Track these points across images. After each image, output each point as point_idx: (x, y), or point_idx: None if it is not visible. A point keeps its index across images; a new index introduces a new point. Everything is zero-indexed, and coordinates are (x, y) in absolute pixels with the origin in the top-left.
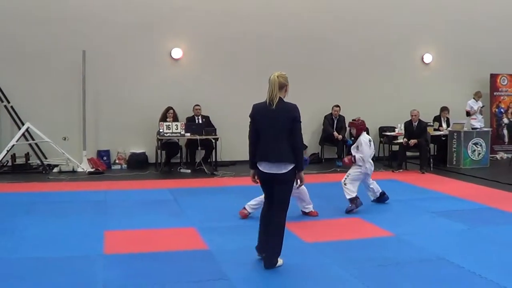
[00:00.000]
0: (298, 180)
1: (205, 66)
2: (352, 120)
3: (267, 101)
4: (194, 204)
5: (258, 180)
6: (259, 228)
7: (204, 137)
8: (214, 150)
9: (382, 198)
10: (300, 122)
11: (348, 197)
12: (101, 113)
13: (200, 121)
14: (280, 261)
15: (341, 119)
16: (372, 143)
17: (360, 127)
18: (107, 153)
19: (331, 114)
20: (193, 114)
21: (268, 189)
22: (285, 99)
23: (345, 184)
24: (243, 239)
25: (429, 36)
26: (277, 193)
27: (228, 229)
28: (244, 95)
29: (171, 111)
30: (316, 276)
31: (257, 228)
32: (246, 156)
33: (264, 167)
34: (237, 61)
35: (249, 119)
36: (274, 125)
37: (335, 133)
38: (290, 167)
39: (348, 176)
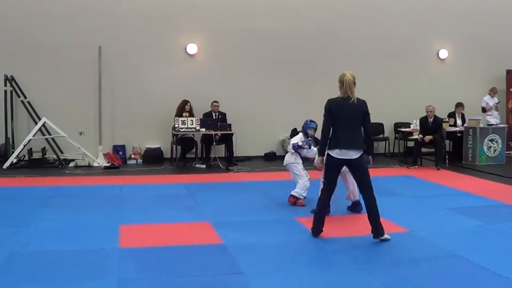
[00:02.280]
0: (369, 161)
1: (220, 62)
2: None
3: (344, 96)
4: (209, 199)
5: (321, 166)
6: (318, 212)
7: (219, 132)
8: (231, 145)
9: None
10: (369, 114)
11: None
12: (117, 108)
13: (217, 117)
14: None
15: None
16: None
17: None
18: (122, 148)
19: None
20: (210, 110)
21: (335, 175)
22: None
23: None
24: (258, 234)
25: (444, 31)
26: (357, 176)
27: (242, 224)
28: (259, 91)
29: (188, 104)
30: (329, 272)
31: (271, 224)
32: (260, 152)
33: (337, 153)
34: (251, 56)
35: (264, 115)
36: (351, 117)
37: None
38: (361, 152)
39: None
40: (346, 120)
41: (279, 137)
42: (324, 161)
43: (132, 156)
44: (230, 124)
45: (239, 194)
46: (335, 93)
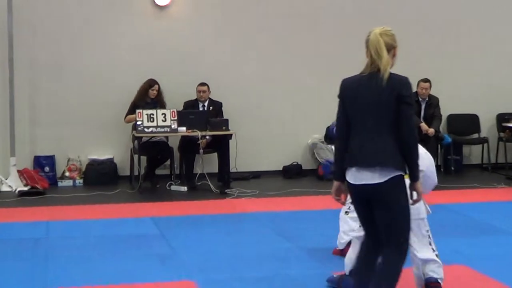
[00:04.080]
0: (413, 193)
1: (208, 18)
2: None
3: (365, 73)
4: (193, 242)
5: (343, 199)
6: (354, 278)
7: (209, 133)
8: (227, 155)
9: None
10: (412, 105)
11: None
12: (40, 96)
13: (206, 109)
14: None
15: (433, 101)
16: None
17: None
18: (50, 161)
19: (416, 94)
20: (195, 98)
21: (365, 213)
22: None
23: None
24: None
25: None
26: (380, 219)
27: (246, 283)
28: (274, 66)
29: (155, 86)
30: None
31: (290, 281)
32: (275, 165)
33: (354, 177)
34: (259, 8)
35: (282, 105)
36: (372, 109)
37: (424, 125)
38: (393, 174)
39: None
40: (364, 112)
41: (307, 141)
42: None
43: (67, 174)
44: (227, 121)
45: (241, 234)
46: (400, 70)
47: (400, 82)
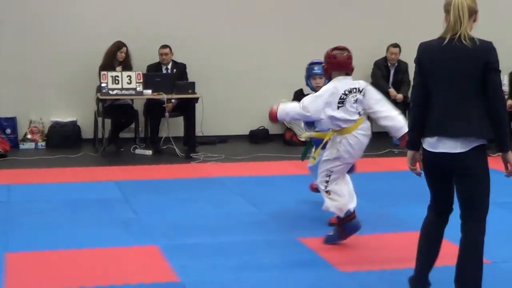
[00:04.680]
0: (508, 165)
1: None
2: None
3: (446, 37)
4: (157, 207)
5: (419, 168)
6: (420, 250)
7: (175, 96)
8: (193, 119)
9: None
10: (500, 71)
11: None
12: (2, 57)
13: (169, 71)
14: None
15: (402, 67)
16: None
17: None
18: (11, 123)
19: (385, 59)
20: (158, 61)
21: (439, 184)
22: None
23: (326, 189)
24: (236, 265)
25: None
26: (460, 192)
27: (211, 248)
28: (241, 26)
29: (123, 49)
30: None
31: (258, 248)
32: (242, 129)
33: (432, 145)
34: None
35: (250, 66)
36: (456, 76)
37: (392, 90)
38: (476, 143)
39: (324, 171)
40: (446, 80)
41: (274, 105)
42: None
43: (29, 136)
44: (193, 83)
45: (207, 199)
46: (367, 34)
47: (487, 48)
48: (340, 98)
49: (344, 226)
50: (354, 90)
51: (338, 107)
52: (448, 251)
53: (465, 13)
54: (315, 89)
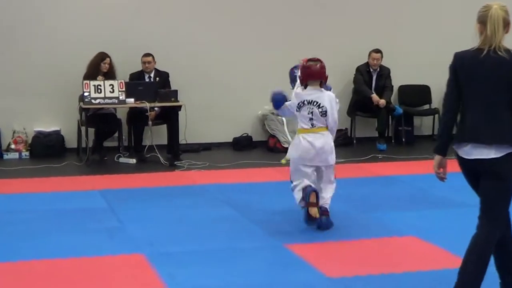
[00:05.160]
0: None
1: None
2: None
3: (484, 49)
4: (141, 215)
5: (445, 173)
6: (467, 261)
7: (158, 104)
8: (177, 127)
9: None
10: None
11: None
12: None
13: (152, 80)
14: None
15: (384, 72)
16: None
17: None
18: None
19: (367, 64)
20: (141, 69)
21: (476, 186)
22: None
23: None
24: (224, 273)
25: None
26: (484, 190)
27: (197, 256)
28: (226, 33)
29: (107, 60)
30: None
31: (245, 255)
32: (225, 137)
33: (467, 152)
34: None
35: (233, 74)
36: (491, 85)
37: (375, 96)
38: (509, 150)
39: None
40: (482, 89)
41: (257, 112)
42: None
43: (12, 146)
44: (176, 91)
45: (191, 206)
46: (350, 40)
47: None
48: (298, 104)
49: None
50: (314, 103)
51: (296, 110)
52: (436, 255)
53: (500, 24)
54: None
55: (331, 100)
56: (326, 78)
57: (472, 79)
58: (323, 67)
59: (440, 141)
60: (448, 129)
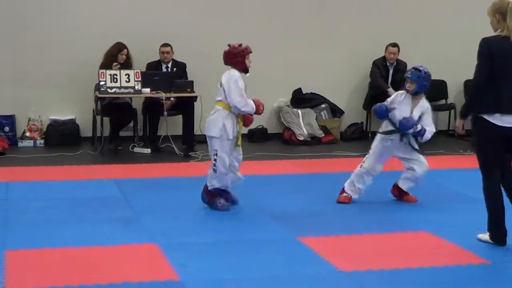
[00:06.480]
0: None
1: None
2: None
3: (510, 36)
4: (156, 205)
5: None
6: (496, 209)
7: (173, 94)
8: (192, 117)
9: None
10: None
11: None
12: (1, 55)
13: (169, 70)
14: None
15: (401, 66)
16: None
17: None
18: (10, 120)
19: (384, 58)
20: (158, 59)
21: (499, 151)
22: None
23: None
24: (236, 264)
25: None
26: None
27: (210, 247)
28: (242, 25)
29: (124, 51)
30: None
31: (257, 247)
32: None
33: (498, 120)
34: None
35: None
36: None
37: (391, 90)
38: None
39: None
40: (509, 68)
41: (273, 104)
42: (477, 129)
43: (27, 134)
44: (192, 82)
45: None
46: (366, 34)
47: None
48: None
49: None
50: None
51: None
52: (448, 251)
53: None
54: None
55: None
56: (234, 63)
57: (504, 59)
58: (226, 52)
59: (467, 109)
60: (477, 101)
